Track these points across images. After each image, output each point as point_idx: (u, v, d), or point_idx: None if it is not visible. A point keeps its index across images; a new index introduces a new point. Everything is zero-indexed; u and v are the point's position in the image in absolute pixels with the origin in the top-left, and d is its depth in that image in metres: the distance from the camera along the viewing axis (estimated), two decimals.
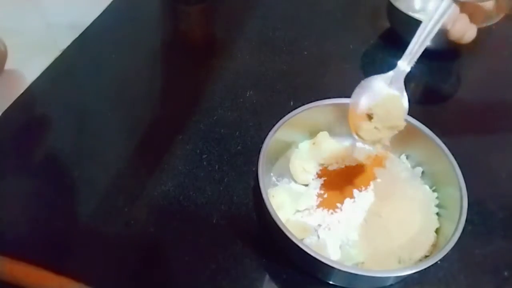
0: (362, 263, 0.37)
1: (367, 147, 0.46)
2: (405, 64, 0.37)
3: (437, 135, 0.41)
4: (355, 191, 0.40)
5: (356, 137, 0.38)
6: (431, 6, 0.66)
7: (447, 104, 0.57)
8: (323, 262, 0.32)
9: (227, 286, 0.38)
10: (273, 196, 0.40)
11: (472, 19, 0.40)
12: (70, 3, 0.58)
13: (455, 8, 0.37)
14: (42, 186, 0.45)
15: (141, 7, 0.69)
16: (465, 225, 0.35)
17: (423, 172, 0.43)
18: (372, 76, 0.38)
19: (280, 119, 0.42)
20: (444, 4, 0.36)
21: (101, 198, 0.44)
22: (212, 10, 0.70)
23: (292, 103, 0.53)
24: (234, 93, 0.55)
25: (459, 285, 0.39)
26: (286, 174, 0.44)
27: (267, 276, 0.39)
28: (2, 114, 0.51)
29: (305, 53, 0.61)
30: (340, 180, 0.42)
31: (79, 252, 0.40)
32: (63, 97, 0.54)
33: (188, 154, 0.48)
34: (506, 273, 0.39)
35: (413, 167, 0.44)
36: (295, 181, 0.44)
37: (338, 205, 0.40)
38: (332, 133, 0.46)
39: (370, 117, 0.38)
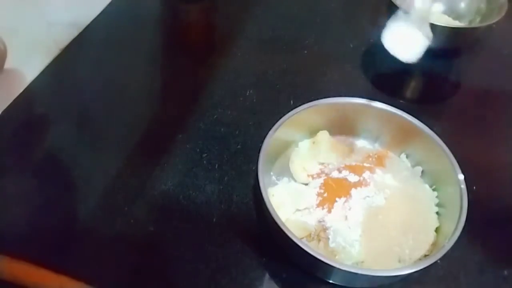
0: (362, 262, 0.37)
1: (367, 146, 0.47)
2: None
3: (437, 134, 0.41)
4: (355, 190, 0.40)
5: None
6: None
7: (447, 103, 0.57)
8: (323, 261, 0.32)
9: (227, 285, 0.38)
10: (273, 195, 0.40)
11: None
12: (69, 2, 0.58)
13: None
14: (42, 186, 0.45)
15: (141, 5, 0.69)
16: (465, 224, 0.35)
17: (423, 171, 0.43)
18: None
19: (280, 118, 0.42)
20: None
21: (101, 198, 0.44)
22: (212, 8, 0.70)
23: (292, 102, 0.53)
24: (234, 92, 0.55)
25: (459, 284, 0.39)
26: (286, 173, 0.44)
27: (267, 275, 0.39)
28: (2, 113, 0.51)
29: (305, 52, 0.61)
30: (340, 179, 0.42)
31: (79, 251, 0.40)
32: (63, 96, 0.54)
33: (188, 153, 0.48)
34: (506, 272, 0.39)
35: (413, 166, 0.44)
36: (295, 180, 0.44)
37: (338, 204, 0.40)
38: (332, 132, 0.46)
39: None
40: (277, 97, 0.54)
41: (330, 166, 0.44)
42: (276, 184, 0.44)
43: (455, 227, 0.35)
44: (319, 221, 0.39)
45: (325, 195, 0.41)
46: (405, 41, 0.40)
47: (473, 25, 0.61)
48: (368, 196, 0.40)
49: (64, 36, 0.59)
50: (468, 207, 0.36)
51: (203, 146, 0.48)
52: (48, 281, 0.37)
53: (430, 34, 0.41)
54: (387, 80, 0.59)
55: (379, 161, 0.44)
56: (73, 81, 0.56)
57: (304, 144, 0.46)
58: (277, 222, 0.34)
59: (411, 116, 0.43)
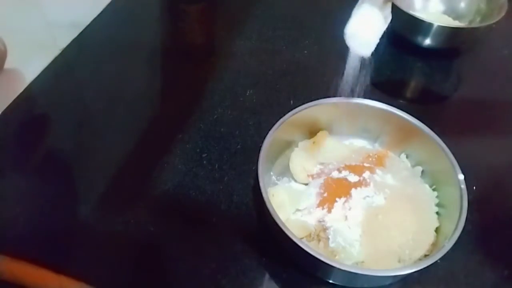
0: (362, 262, 0.37)
1: (367, 146, 0.47)
2: None
3: (437, 134, 0.41)
4: (355, 190, 0.40)
5: None
6: (431, 5, 0.66)
7: (447, 103, 0.57)
8: (323, 261, 0.32)
9: (227, 285, 0.38)
10: (273, 195, 0.40)
11: None
12: (70, 2, 0.58)
13: None
14: (42, 186, 0.45)
15: (141, 6, 0.69)
16: (465, 224, 0.35)
17: (423, 171, 0.43)
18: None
19: (280, 118, 0.42)
20: None
21: (101, 198, 0.44)
22: (212, 9, 0.70)
23: (292, 102, 0.53)
24: (234, 92, 0.55)
25: (459, 284, 0.39)
26: (286, 173, 0.44)
27: (267, 275, 0.39)
28: (2, 113, 0.51)
29: (305, 52, 0.61)
30: (340, 179, 0.42)
31: (79, 251, 0.40)
32: (63, 96, 0.54)
33: (188, 153, 0.48)
34: (506, 272, 0.39)
35: (413, 166, 0.44)
36: (295, 180, 0.44)
37: (338, 204, 0.40)
38: (332, 132, 0.46)
39: None
40: (277, 97, 0.54)
41: (330, 166, 0.43)
42: (276, 184, 0.44)
43: (455, 227, 0.35)
44: (319, 221, 0.39)
45: (325, 195, 0.41)
46: (362, 28, 0.39)
47: (473, 25, 0.61)
48: (368, 196, 0.40)
49: (64, 36, 0.59)
50: (468, 207, 0.36)
51: (203, 146, 0.48)
52: (48, 281, 0.37)
53: (389, 17, 0.40)
54: (387, 80, 0.59)
55: (379, 161, 0.44)
56: (73, 81, 0.56)
57: (304, 144, 0.46)
58: (277, 222, 0.34)
59: (411, 116, 0.43)
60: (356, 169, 0.42)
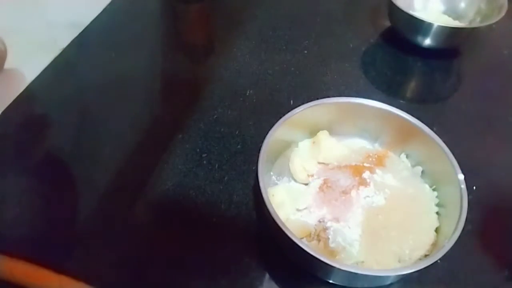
0: (362, 262, 0.37)
1: (367, 146, 0.47)
2: None
3: (437, 134, 0.41)
4: (355, 190, 0.40)
5: None
6: (431, 5, 0.66)
7: (447, 103, 0.57)
8: (323, 261, 0.32)
9: (227, 285, 0.38)
10: (273, 195, 0.40)
11: None
12: (69, 2, 0.58)
13: None
14: (42, 186, 0.45)
15: (141, 6, 0.69)
16: (465, 224, 0.35)
17: (423, 171, 0.43)
18: None
19: (280, 118, 0.42)
20: None
21: (101, 198, 0.44)
22: (211, 8, 0.70)
23: (292, 102, 0.53)
24: (234, 92, 0.55)
25: (459, 284, 0.39)
26: (286, 173, 0.44)
27: (267, 275, 0.39)
28: (2, 113, 0.51)
29: (305, 52, 0.61)
30: (340, 179, 0.42)
31: (79, 251, 0.40)
32: (63, 96, 0.54)
33: (188, 153, 0.48)
34: (506, 272, 0.39)
35: (413, 166, 0.44)
36: (295, 180, 0.44)
37: (338, 204, 0.40)
38: (332, 132, 0.46)
39: None
40: (277, 97, 0.54)
41: (330, 166, 0.43)
42: (276, 184, 0.44)
43: (455, 227, 0.35)
44: (319, 221, 0.39)
45: (325, 195, 0.41)
46: None
47: (473, 25, 0.61)
48: (368, 196, 0.40)
49: (64, 36, 0.59)
50: (468, 207, 0.36)
51: (203, 146, 0.48)
52: (48, 281, 0.37)
53: None
54: (387, 80, 0.59)
55: (379, 161, 0.44)
56: (73, 81, 0.56)
57: (304, 144, 0.46)
58: (277, 222, 0.34)
59: (411, 116, 0.43)
60: (356, 169, 0.42)
